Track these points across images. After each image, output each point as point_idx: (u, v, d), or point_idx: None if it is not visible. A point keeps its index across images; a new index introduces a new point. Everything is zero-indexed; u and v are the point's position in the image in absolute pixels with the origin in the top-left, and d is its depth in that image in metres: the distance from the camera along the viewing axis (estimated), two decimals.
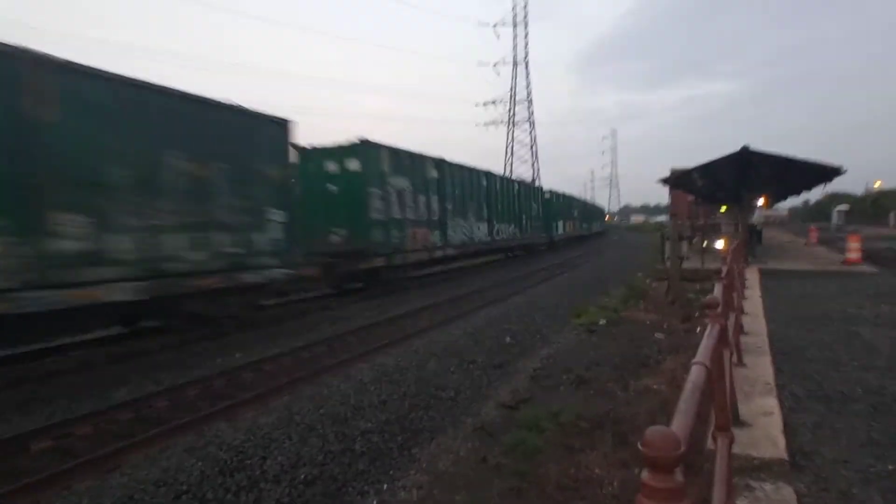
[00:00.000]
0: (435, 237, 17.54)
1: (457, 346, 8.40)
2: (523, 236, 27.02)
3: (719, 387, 2.24)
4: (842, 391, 4.92)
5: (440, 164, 18.10)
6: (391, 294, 14.52)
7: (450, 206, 18.56)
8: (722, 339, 2.42)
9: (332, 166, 14.34)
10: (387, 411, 5.75)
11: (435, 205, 17.53)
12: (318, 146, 14.54)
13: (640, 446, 0.92)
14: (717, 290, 3.36)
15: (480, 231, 21.38)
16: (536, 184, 46.75)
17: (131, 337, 9.12)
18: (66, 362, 7.51)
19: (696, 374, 1.42)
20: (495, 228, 22.90)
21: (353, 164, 14.14)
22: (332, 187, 14.22)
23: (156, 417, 5.68)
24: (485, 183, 22.02)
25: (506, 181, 25.25)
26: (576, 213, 42.50)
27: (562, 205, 37.09)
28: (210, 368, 7.34)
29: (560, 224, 35.75)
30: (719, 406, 2.31)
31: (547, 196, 33.71)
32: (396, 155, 15.57)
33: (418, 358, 7.71)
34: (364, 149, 14.30)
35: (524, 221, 27.24)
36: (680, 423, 1.06)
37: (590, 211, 52.78)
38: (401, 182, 15.56)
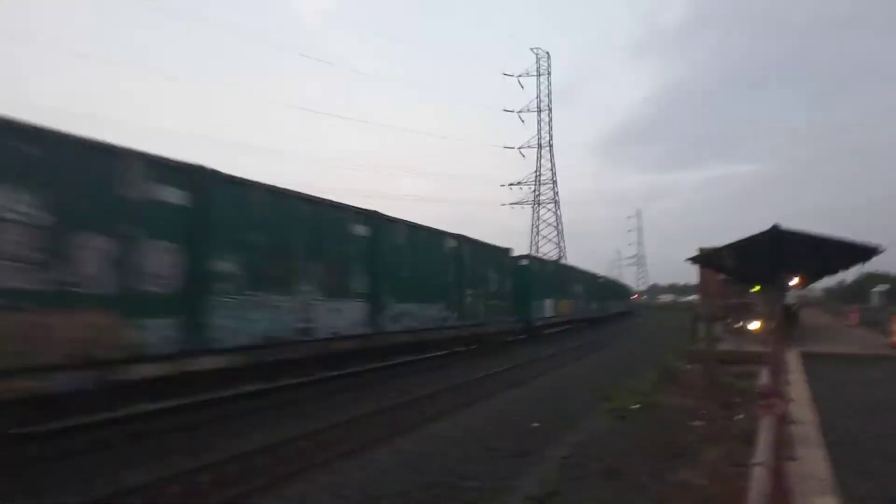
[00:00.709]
0: (149, 331, 7.41)
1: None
2: (467, 322, 17.13)
3: (778, 486, 1.93)
4: None
5: (194, 175, 8.35)
6: None
7: (228, 267, 8.79)
8: (779, 429, 2.13)
9: None
10: None
11: (157, 260, 7.69)
12: None
13: None
14: (766, 376, 3.06)
15: (343, 315, 11.39)
16: (562, 261, 46.39)
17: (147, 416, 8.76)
18: (79, 442, 7.14)
19: (761, 480, 1.17)
20: (387, 310, 12.88)
21: None
22: None
23: None
24: (364, 233, 12.34)
25: (421, 233, 15.07)
26: (578, 289, 33.54)
27: (550, 276, 27.78)
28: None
29: (547, 303, 26.53)
30: None
31: (524, 263, 24.40)
32: None
33: None
34: None
35: (468, 299, 17.24)
36: None
37: (604, 287, 44.34)
38: None
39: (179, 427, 8.11)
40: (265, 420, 8.62)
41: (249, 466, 6.29)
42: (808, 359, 12.67)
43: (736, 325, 16.78)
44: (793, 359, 12.16)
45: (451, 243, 16.72)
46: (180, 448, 6.93)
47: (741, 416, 7.40)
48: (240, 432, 7.76)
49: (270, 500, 5.35)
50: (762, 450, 1.47)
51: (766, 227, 13.76)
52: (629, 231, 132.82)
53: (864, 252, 15.06)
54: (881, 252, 14.54)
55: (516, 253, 23.97)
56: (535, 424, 8.46)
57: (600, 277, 44.52)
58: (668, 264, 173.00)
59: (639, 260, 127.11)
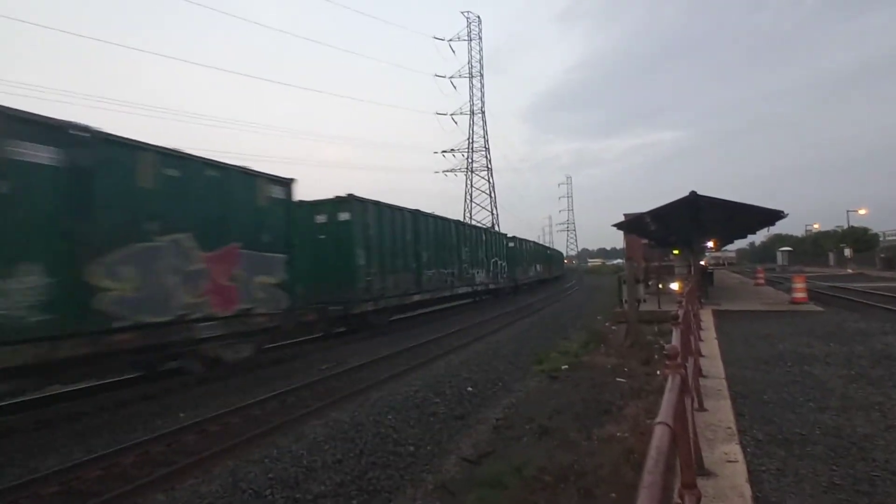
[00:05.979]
0: None
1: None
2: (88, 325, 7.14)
3: (683, 441, 2.14)
4: (801, 433, 4.92)
5: None
6: None
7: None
8: (683, 388, 2.34)
9: None
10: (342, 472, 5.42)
11: None
12: None
13: None
14: (675, 337, 3.31)
15: None
16: (496, 229, 46.71)
17: (64, 399, 8.45)
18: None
19: (659, 437, 1.30)
20: None
21: None
22: None
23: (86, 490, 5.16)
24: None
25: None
26: (468, 255, 23.41)
27: (402, 235, 17.16)
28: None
29: (395, 275, 16.40)
30: (685, 461, 2.20)
31: (343, 216, 14.42)
32: None
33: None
34: None
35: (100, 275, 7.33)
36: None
37: (518, 252, 34.54)
38: None
39: None
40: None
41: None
42: (720, 316, 13.67)
43: (658, 287, 17.78)
44: (707, 317, 13.08)
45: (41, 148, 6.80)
46: None
47: (659, 372, 7.96)
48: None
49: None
50: (664, 409, 1.62)
51: (685, 193, 14.54)
52: (560, 198, 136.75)
53: (770, 216, 16.25)
54: (784, 216, 15.75)
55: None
56: (469, 388, 8.73)
57: (511, 239, 33.94)
58: (597, 229, 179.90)
59: (569, 226, 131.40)
